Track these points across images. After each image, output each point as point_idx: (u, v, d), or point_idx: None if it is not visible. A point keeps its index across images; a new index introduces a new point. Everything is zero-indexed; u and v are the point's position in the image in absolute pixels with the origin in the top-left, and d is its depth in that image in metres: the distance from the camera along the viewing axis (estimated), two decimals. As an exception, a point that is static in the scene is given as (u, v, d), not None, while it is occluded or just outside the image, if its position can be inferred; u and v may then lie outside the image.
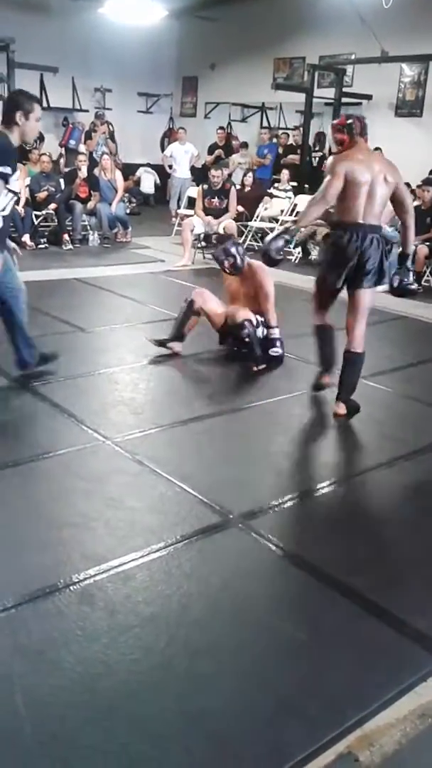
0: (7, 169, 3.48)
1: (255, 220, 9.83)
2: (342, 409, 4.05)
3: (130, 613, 2.29)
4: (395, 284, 4.25)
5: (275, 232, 4.23)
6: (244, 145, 12.21)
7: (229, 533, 2.80)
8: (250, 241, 9.80)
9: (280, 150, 11.71)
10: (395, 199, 3.94)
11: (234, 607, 2.39)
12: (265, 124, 13.65)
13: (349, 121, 3.92)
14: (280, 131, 12.65)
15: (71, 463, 3.32)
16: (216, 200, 8.56)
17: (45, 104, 12.55)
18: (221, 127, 12.71)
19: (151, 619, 2.27)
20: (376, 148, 10.37)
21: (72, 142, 11.96)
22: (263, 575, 2.60)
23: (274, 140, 12.18)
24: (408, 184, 9.63)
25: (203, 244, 9.03)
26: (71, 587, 2.38)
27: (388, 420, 4.25)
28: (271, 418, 4.12)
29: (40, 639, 2.15)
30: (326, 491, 3.20)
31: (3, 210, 3.64)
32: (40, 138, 11.50)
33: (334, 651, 2.20)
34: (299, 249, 9.21)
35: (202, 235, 8.82)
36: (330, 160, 4.10)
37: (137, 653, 2.13)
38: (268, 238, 4.17)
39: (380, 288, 7.74)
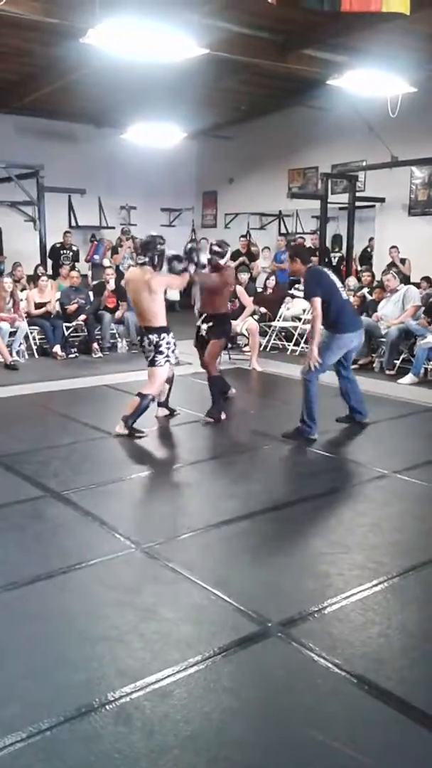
0: None
1: (278, 320, 10.04)
2: None
3: (168, 733, 2.18)
4: None
5: None
6: (266, 248, 12.68)
7: (268, 643, 2.69)
8: (274, 340, 9.96)
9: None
10: None
11: (278, 724, 2.26)
12: (283, 230, 14.17)
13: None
14: (297, 236, 13.09)
15: (104, 573, 3.26)
16: (229, 304, 8.79)
17: (74, 223, 13.29)
18: (243, 236, 13.22)
19: (191, 739, 2.16)
20: (392, 247, 10.73)
21: (96, 257, 12.54)
22: (307, 688, 2.46)
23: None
24: (427, 278, 9.88)
25: (229, 345, 9.19)
26: (107, 706, 2.29)
27: (428, 515, 4.14)
28: (305, 518, 4.04)
29: (76, 764, 2.05)
30: (368, 594, 3.08)
31: None
32: (75, 256, 12.09)
33: (388, 770, 2.06)
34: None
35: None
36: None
37: (178, 778, 2.01)
38: None
39: (407, 380, 7.75)
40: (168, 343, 5.44)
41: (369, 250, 12.39)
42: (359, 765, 2.07)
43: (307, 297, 5.41)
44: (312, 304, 5.27)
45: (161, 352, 5.42)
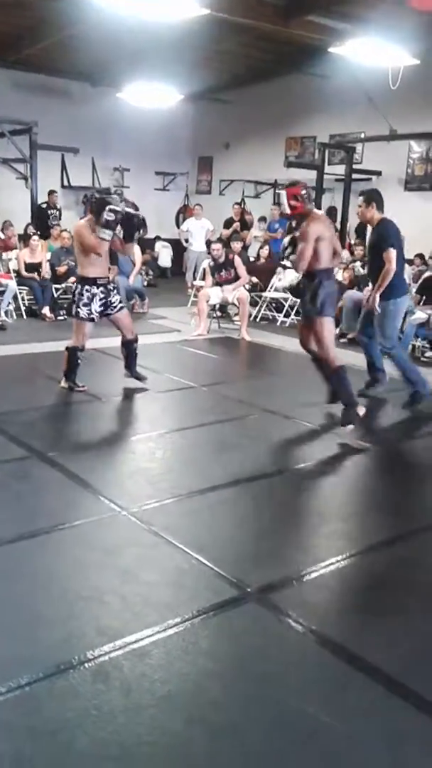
0: None
1: (269, 291, 10.00)
2: None
3: (146, 692, 2.22)
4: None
5: None
6: (263, 219, 12.55)
7: (247, 608, 2.73)
8: (265, 310, 9.93)
9: (293, 224, 12.01)
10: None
11: (254, 687, 2.31)
12: (278, 200, 14.03)
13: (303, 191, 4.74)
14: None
15: (87, 535, 3.29)
16: (224, 273, 8.73)
17: (66, 183, 13.08)
18: (237, 203, 13.10)
19: (167, 699, 2.20)
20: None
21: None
22: (283, 653, 2.51)
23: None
24: (421, 255, 9.84)
25: (218, 314, 9.18)
26: (86, 664, 2.32)
27: (410, 488, 4.20)
28: (289, 487, 4.08)
29: (53, 719, 2.09)
30: (348, 563, 3.13)
31: None
32: (60, 216, 11.93)
33: (359, 734, 2.11)
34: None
35: (217, 306, 8.98)
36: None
37: (154, 734, 2.06)
38: None
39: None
40: (80, 294, 5.43)
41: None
42: (332, 729, 2.12)
43: (383, 247, 5.07)
44: (387, 256, 5.02)
45: (74, 302, 5.52)
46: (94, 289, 5.43)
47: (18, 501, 3.64)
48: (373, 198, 5.18)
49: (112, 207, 5.21)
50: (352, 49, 8.35)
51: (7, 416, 4.91)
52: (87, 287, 5.44)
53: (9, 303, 9.03)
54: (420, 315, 7.70)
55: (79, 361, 5.63)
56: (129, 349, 5.80)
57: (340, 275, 9.29)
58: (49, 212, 11.77)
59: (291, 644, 2.56)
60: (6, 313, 8.94)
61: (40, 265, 9.50)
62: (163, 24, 8.20)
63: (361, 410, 4.92)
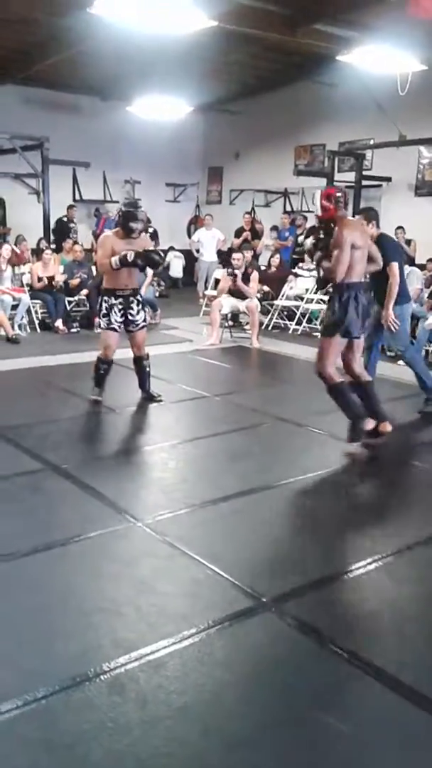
0: None
1: (281, 299, 10.00)
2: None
3: (161, 704, 2.22)
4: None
5: None
6: (275, 228, 12.58)
7: (262, 618, 2.73)
8: (276, 318, 9.93)
9: (299, 231, 12.06)
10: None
11: (270, 697, 2.30)
12: (288, 208, 14.07)
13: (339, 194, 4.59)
14: (299, 216, 13.00)
15: (102, 547, 3.30)
16: (240, 283, 8.75)
17: (78, 197, 13.17)
18: (247, 212, 13.14)
19: (183, 710, 2.20)
20: (398, 228, 10.66)
21: (106, 231, 12.45)
22: (299, 662, 2.50)
23: (297, 222, 12.53)
24: (432, 260, 9.78)
25: (230, 323, 9.19)
26: (102, 676, 2.33)
27: (420, 496, 4.17)
28: (302, 496, 4.07)
29: (69, 731, 2.09)
30: (362, 572, 3.12)
31: None
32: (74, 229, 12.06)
33: (377, 743, 2.09)
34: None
35: (229, 315, 8.99)
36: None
37: (170, 746, 2.05)
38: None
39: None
40: (99, 305, 5.63)
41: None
42: (348, 738, 2.11)
43: (385, 263, 5.13)
44: (391, 270, 5.35)
45: (98, 314, 5.74)
46: (113, 300, 5.49)
47: (33, 513, 3.66)
48: (371, 216, 5.48)
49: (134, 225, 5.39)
50: (359, 56, 8.37)
51: (21, 429, 4.94)
52: (105, 298, 5.52)
53: (22, 316, 9.10)
54: (433, 321, 7.65)
55: (102, 371, 5.67)
56: (139, 365, 5.78)
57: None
58: (69, 225, 11.90)
59: (306, 653, 2.54)
60: (20, 326, 9.01)
61: (53, 278, 9.57)
62: (171, 37, 8.26)
63: (369, 424, 4.64)
